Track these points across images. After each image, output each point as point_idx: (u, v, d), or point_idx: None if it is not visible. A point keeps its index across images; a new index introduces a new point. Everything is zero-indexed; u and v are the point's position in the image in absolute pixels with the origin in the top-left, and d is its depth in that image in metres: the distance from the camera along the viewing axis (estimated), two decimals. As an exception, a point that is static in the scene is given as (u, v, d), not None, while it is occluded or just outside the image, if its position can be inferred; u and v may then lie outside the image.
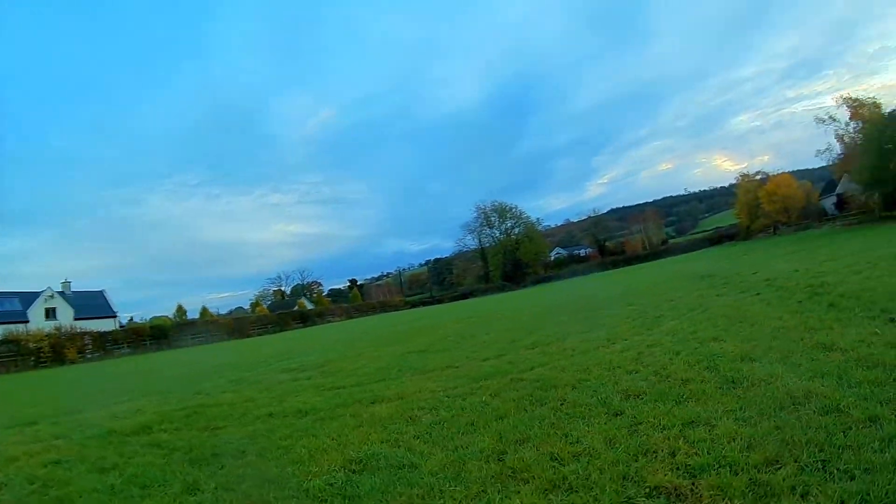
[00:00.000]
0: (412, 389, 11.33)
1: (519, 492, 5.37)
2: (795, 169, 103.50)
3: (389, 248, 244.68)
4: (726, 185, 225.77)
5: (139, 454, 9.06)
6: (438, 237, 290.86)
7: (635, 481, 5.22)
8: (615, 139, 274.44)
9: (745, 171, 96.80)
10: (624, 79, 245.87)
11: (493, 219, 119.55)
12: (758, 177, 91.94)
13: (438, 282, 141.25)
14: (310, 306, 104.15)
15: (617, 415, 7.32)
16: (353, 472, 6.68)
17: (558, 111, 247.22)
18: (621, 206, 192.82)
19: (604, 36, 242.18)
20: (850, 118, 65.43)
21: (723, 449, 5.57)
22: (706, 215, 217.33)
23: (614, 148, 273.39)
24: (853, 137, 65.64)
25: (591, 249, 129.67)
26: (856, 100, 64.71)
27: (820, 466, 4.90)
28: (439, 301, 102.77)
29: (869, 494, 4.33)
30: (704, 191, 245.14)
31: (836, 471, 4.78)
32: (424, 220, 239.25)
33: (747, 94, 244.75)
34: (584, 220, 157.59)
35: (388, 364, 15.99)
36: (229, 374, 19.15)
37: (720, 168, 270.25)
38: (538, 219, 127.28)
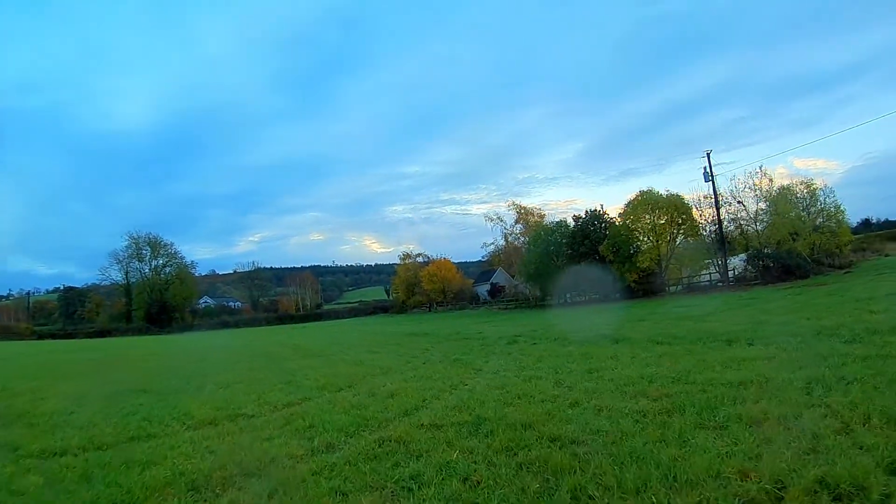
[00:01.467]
0: (249, 456, 6.40)
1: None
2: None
3: (14, 266, 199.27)
4: (372, 263, 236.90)
5: None
6: (73, 265, 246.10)
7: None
8: (274, 201, 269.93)
9: (407, 252, 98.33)
10: (297, 147, 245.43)
11: (144, 252, 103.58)
12: (419, 259, 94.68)
13: (69, 314, 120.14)
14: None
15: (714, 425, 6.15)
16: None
17: (224, 160, 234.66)
18: (269, 266, 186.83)
19: (290, 101, 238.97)
20: (515, 221, 70.49)
21: None
22: (350, 288, 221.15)
23: (272, 209, 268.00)
24: (517, 237, 70.44)
25: (241, 303, 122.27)
26: (523, 207, 70.06)
27: None
28: (72, 335, 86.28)
29: None
30: (351, 266, 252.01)
31: None
32: (60, 243, 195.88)
33: (406, 189, 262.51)
34: (233, 273, 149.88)
35: (109, 410, 10.44)
36: None
37: (368, 248, 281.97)
38: (192, 262, 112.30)
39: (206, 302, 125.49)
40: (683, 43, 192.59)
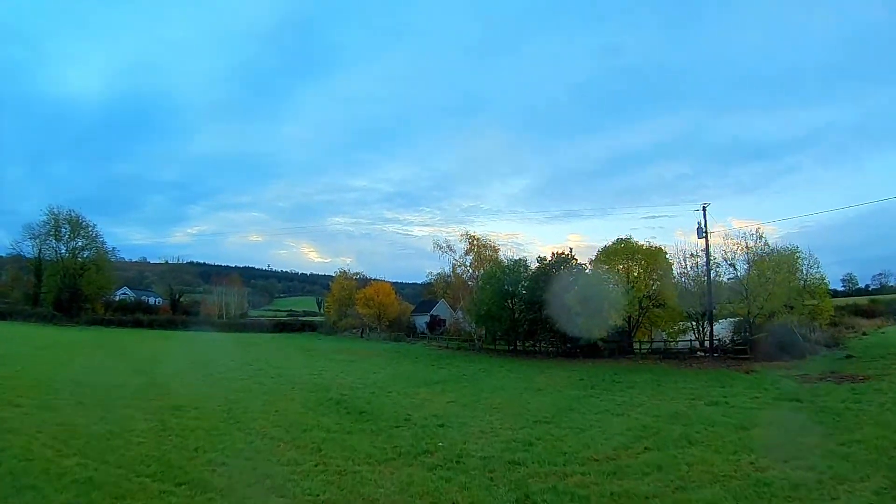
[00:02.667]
0: None
1: None
2: (374, 277, 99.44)
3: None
4: (307, 272, 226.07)
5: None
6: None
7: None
8: (215, 195, 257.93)
9: (345, 268, 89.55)
10: (245, 143, 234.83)
11: (63, 231, 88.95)
12: (356, 277, 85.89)
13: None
14: None
15: None
16: None
17: (171, 146, 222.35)
18: (201, 262, 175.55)
19: (243, 96, 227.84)
20: (465, 252, 62.34)
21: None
22: (282, 295, 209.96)
23: (212, 204, 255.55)
24: (466, 270, 62.72)
25: (162, 300, 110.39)
26: (475, 238, 62.15)
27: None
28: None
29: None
30: (285, 272, 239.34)
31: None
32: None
33: (349, 202, 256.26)
34: (163, 264, 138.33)
35: None
36: None
37: (305, 256, 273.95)
38: (114, 248, 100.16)
39: (124, 293, 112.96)
40: (638, 96, 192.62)
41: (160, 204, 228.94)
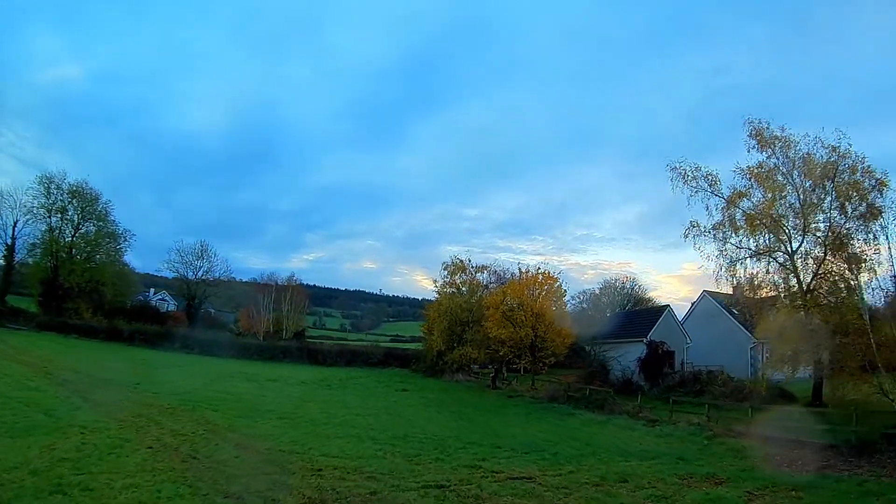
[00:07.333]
0: None
1: None
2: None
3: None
4: (418, 298, 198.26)
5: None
6: (130, 254, 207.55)
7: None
8: (332, 223, 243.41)
9: (459, 260, 46.63)
10: (360, 174, 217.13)
11: (60, 202, 53.83)
12: (481, 275, 44.72)
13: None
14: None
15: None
16: None
17: (288, 177, 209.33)
18: (314, 284, 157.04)
19: (358, 130, 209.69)
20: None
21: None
22: (390, 320, 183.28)
23: (329, 232, 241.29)
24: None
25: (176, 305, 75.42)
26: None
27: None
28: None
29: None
30: (396, 296, 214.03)
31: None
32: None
33: (463, 231, 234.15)
34: (272, 284, 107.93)
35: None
36: None
37: (418, 283, 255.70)
38: (126, 230, 60.52)
39: (163, 298, 78.69)
40: (751, 116, 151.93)
41: (279, 231, 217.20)
